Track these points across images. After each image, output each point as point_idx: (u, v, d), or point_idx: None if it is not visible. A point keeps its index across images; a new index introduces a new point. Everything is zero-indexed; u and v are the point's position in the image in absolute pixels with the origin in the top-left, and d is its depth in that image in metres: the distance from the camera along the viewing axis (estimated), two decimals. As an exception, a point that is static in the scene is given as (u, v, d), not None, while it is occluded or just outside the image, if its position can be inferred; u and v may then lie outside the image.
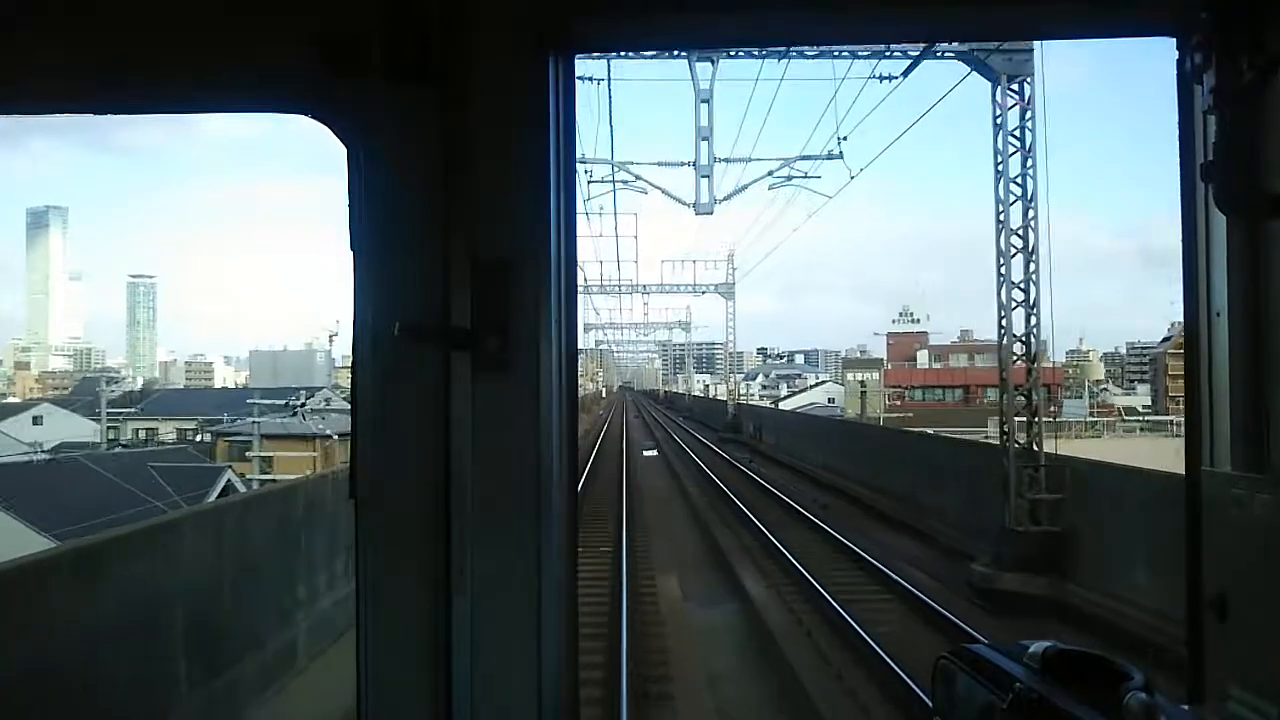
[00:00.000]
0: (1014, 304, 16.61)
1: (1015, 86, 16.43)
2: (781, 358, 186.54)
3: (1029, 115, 16.51)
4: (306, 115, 1.74)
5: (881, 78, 17.76)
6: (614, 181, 25.09)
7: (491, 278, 1.64)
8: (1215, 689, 1.69)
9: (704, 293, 57.40)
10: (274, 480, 26.84)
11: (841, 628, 13.03)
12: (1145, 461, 15.75)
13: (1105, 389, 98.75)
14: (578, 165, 1.96)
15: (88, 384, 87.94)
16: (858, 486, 27.14)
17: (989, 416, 57.59)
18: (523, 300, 1.65)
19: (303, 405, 37.68)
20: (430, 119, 1.65)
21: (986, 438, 45.98)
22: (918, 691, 9.47)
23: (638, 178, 24.81)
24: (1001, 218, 16.66)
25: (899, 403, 74.34)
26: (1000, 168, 16.53)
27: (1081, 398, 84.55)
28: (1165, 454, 16.40)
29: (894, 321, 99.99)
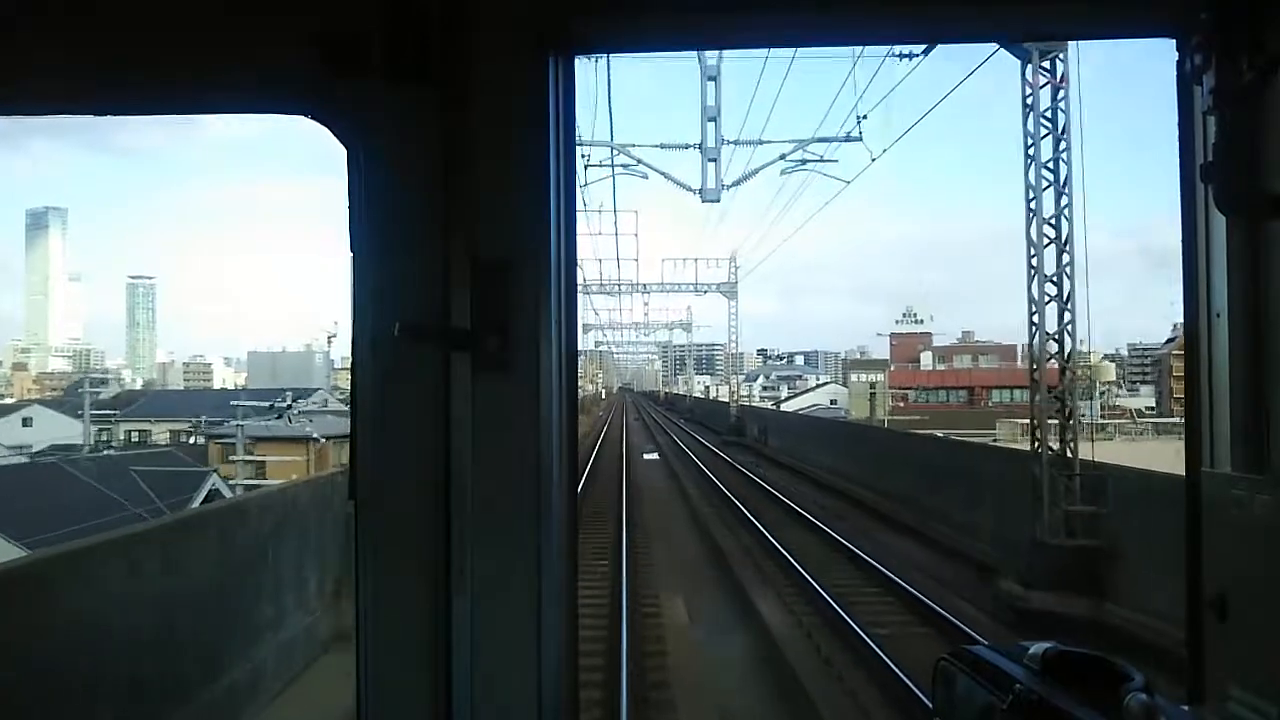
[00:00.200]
0: (1047, 299, 15.24)
1: (1047, 64, 15.08)
2: (781, 359, 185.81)
3: (1062, 95, 15.16)
4: (306, 115, 1.75)
5: (902, 55, 16.46)
6: (613, 166, 23.53)
7: (491, 278, 1.65)
8: (1215, 689, 1.67)
9: (706, 292, 56.14)
10: (259, 485, 25.47)
11: (865, 655, 11.70)
12: (1168, 466, 14.39)
13: (1108, 390, 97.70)
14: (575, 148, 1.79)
15: (91, 384, 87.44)
16: (867, 492, 25.75)
17: (997, 419, 56.74)
18: (523, 300, 1.66)
19: (288, 407, 36.43)
20: (430, 119, 1.66)
21: (995, 440, 44.87)
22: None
23: (639, 161, 23.27)
24: (1033, 205, 15.37)
25: (902, 404, 73.09)
26: (1031, 151, 15.26)
27: (1090, 400, 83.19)
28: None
29: (897, 322, 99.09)
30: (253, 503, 12.81)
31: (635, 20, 1.80)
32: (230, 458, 32.29)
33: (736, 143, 21.21)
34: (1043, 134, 15.17)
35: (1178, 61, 1.71)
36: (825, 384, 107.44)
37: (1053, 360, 15.63)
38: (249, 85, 1.76)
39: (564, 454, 1.73)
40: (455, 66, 1.64)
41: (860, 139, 19.81)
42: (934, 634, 12.97)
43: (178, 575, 9.05)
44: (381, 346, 1.66)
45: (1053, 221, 15.39)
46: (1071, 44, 14.91)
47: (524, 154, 1.68)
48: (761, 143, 21.59)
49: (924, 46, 17.06)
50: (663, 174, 22.51)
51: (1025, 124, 15.37)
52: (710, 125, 20.37)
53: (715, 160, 20.67)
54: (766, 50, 18.63)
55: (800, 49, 16.98)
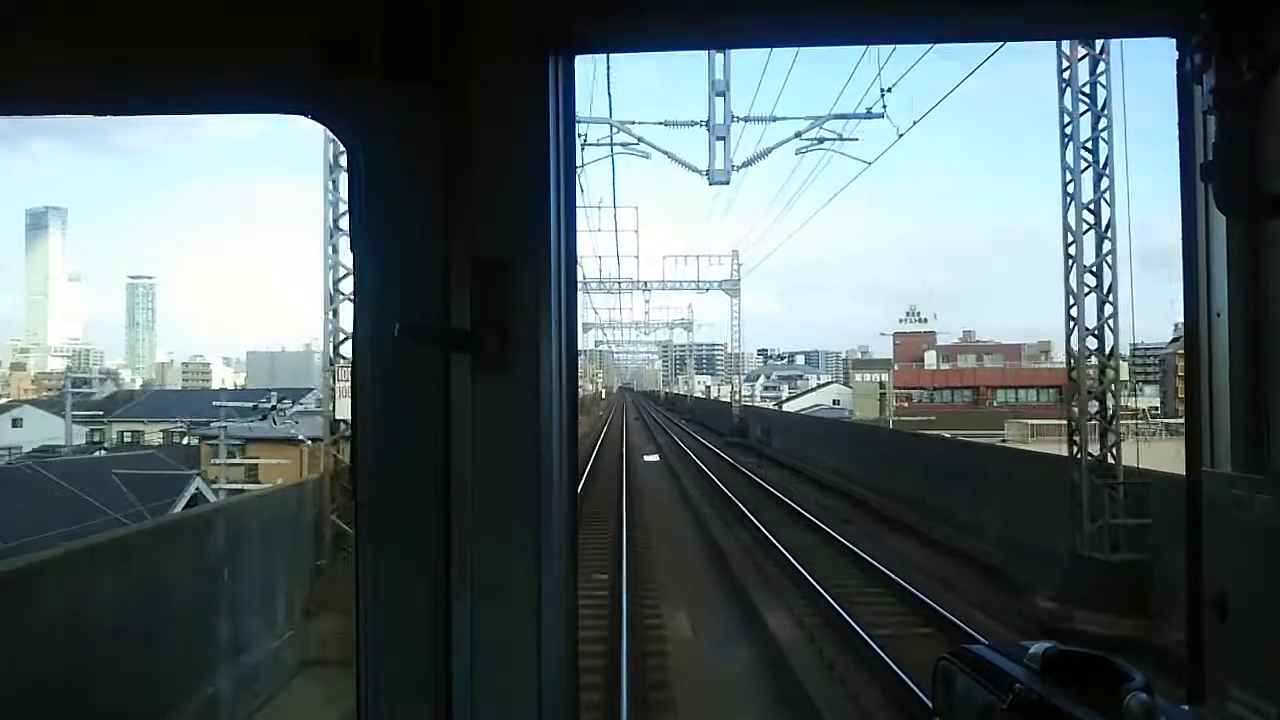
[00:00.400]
0: (1086, 290, 13.94)
1: (1086, 33, 13.70)
2: (782, 359, 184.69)
3: (1102, 69, 13.85)
4: (306, 115, 1.78)
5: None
6: (611, 145, 21.94)
7: (491, 278, 1.65)
8: (1215, 689, 1.68)
9: (708, 289, 54.83)
10: (242, 489, 24.15)
11: (893, 688, 10.38)
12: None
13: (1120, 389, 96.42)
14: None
15: (83, 384, 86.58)
16: (879, 497, 24.33)
17: (1005, 420, 55.51)
18: (523, 300, 1.66)
19: (273, 408, 35.12)
20: (430, 119, 1.66)
21: (1004, 441, 43.56)
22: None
23: (640, 140, 21.66)
24: (1070, 189, 14.08)
25: (905, 404, 71.89)
26: (1068, 130, 13.96)
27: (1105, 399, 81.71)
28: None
29: (900, 321, 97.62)
30: (214, 515, 11.58)
31: (635, 20, 1.80)
32: (214, 460, 30.86)
33: (748, 119, 19.55)
34: (1081, 110, 13.84)
35: (1178, 61, 1.72)
36: (828, 384, 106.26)
37: (1085, 359, 14.29)
38: (249, 85, 1.76)
39: (564, 454, 1.73)
40: (455, 66, 1.65)
41: (884, 114, 18.33)
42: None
43: (123, 598, 7.91)
44: (382, 346, 1.67)
45: (1092, 207, 14.12)
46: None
47: (524, 154, 1.69)
48: (774, 119, 20.01)
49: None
50: (666, 154, 20.96)
51: (1061, 100, 14.11)
52: (719, 100, 18.87)
53: (724, 138, 19.15)
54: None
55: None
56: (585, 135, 20.99)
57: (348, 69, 1.64)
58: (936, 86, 17.92)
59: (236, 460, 32.21)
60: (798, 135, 20.36)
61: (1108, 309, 14.07)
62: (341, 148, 13.70)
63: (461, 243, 1.65)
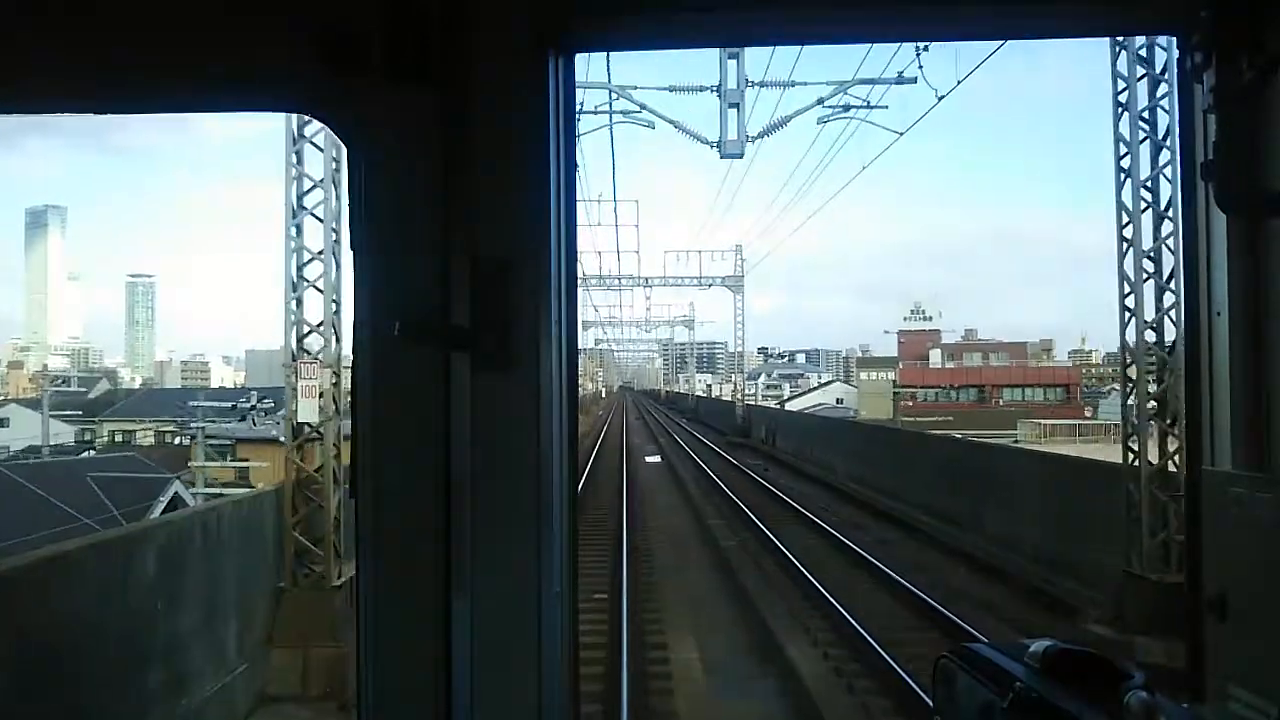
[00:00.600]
0: (1144, 276, 12.38)
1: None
2: (783, 357, 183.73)
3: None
4: (307, 115, 2.03)
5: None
6: (610, 113, 20.07)
7: (491, 278, 1.66)
8: (1215, 689, 1.69)
9: (710, 285, 53.35)
10: (220, 494, 22.56)
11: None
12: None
13: (1113, 389, 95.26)
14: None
15: (80, 383, 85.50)
16: (900, 505, 22.74)
17: (1017, 420, 54.16)
18: (523, 300, 1.67)
19: (252, 408, 33.58)
20: (430, 119, 1.67)
21: (1016, 442, 42.07)
22: None
23: (643, 108, 19.69)
24: (1125, 164, 12.51)
25: (910, 404, 70.61)
26: (1123, 98, 12.35)
27: (1107, 397, 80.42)
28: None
29: (905, 319, 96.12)
30: (153, 533, 10.03)
31: (635, 19, 1.81)
32: (191, 463, 29.28)
33: (764, 84, 17.70)
34: (1138, 76, 12.25)
35: (1178, 60, 1.72)
36: (830, 383, 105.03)
37: (1144, 353, 12.73)
38: (249, 85, 1.77)
39: (564, 454, 1.73)
40: (455, 66, 1.65)
41: (916, 79, 16.62)
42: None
43: (52, 624, 6.47)
44: (381, 346, 1.67)
45: (1149, 184, 12.55)
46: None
47: (524, 154, 1.69)
48: (793, 84, 18.15)
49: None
50: (673, 123, 19.13)
51: (1114, 65, 12.51)
52: (731, 64, 17.10)
53: (738, 106, 17.36)
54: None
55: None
56: (582, 103, 19.23)
57: (348, 69, 1.64)
58: (977, 47, 16.23)
59: (217, 463, 30.64)
60: (820, 102, 18.52)
61: (1168, 298, 12.49)
62: (307, 119, 12.27)
63: (461, 242, 1.65)
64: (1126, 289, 12.74)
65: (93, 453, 42.17)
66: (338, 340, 12.67)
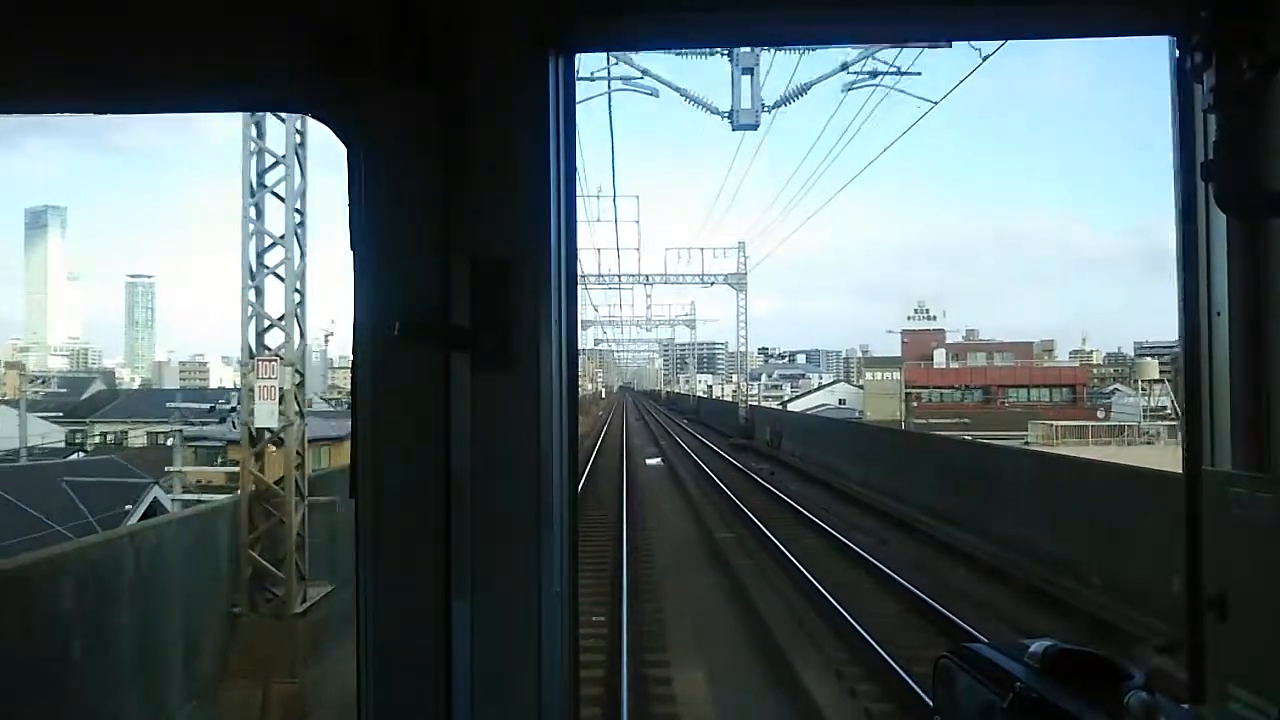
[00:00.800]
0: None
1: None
2: (783, 358, 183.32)
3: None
4: (306, 115, 1.93)
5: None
6: (609, 79, 18.37)
7: (491, 278, 1.67)
8: (1215, 689, 1.70)
9: (712, 283, 52.08)
10: (198, 500, 21.21)
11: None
12: None
13: (1116, 389, 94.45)
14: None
15: (70, 384, 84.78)
16: (924, 516, 21.19)
17: (1029, 421, 52.99)
18: (522, 300, 1.68)
19: (232, 409, 32.20)
20: (430, 119, 1.68)
21: (1027, 444, 40.73)
22: None
23: (645, 73, 17.90)
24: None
25: (915, 404, 69.67)
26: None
27: (1111, 397, 79.15)
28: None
29: (909, 318, 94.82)
30: (83, 556, 8.64)
31: (635, 19, 1.81)
32: (168, 468, 27.83)
33: (783, 45, 15.87)
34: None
35: (1178, 59, 1.74)
36: (833, 383, 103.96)
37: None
38: (249, 85, 1.78)
39: (564, 454, 1.74)
40: (455, 66, 1.66)
41: (951, 41, 15.03)
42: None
43: None
44: (381, 346, 1.68)
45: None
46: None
47: (524, 154, 1.70)
48: (815, 46, 16.34)
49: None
50: (680, 91, 17.50)
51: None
52: (745, 25, 15.52)
53: (752, 72, 15.79)
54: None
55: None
56: (578, 69, 17.75)
57: (347, 68, 1.64)
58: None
59: (197, 467, 29.18)
60: (844, 68, 16.88)
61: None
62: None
63: (461, 242, 1.66)
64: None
65: (82, 455, 40.97)
66: (301, 335, 11.63)
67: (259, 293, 11.52)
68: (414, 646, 1.67)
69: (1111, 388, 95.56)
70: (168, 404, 34.81)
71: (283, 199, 11.37)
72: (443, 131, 1.66)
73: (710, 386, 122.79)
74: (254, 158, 11.39)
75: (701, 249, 50.97)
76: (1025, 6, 1.80)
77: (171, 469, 27.49)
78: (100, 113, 1.83)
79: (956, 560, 17.00)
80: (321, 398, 55.58)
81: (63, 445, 48.02)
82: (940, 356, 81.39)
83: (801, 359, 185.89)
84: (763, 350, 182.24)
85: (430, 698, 1.66)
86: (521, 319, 1.66)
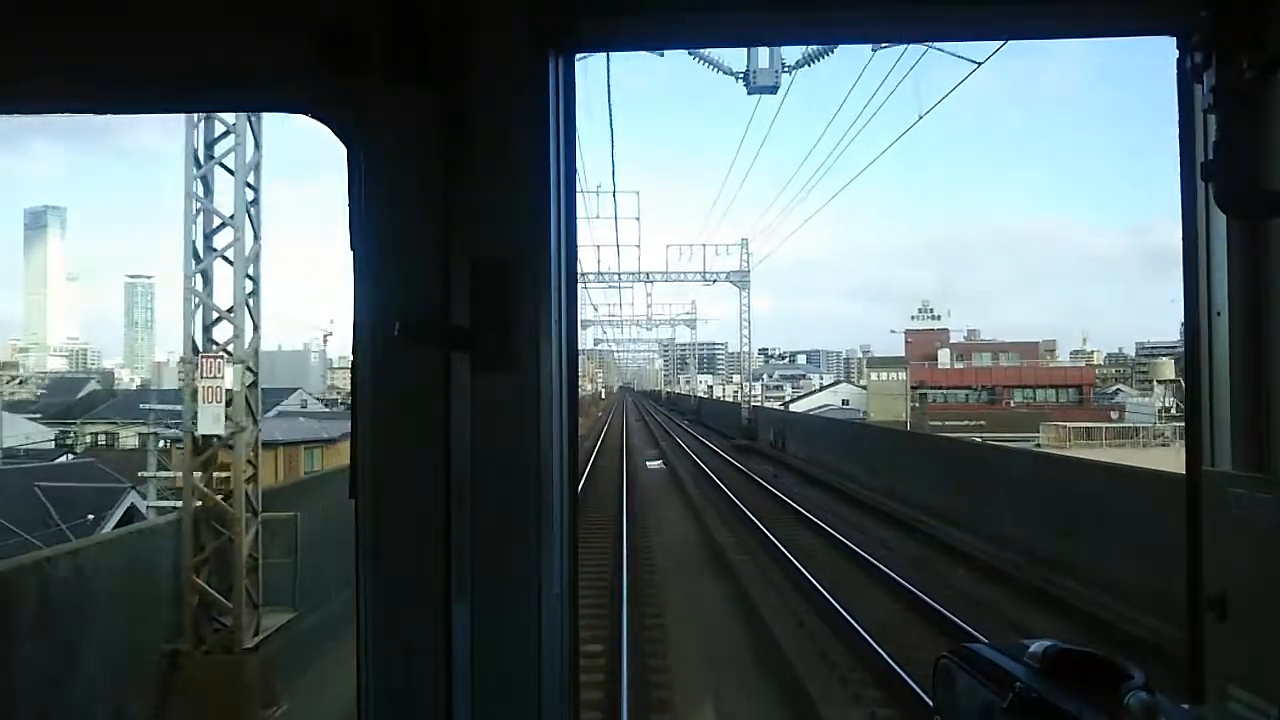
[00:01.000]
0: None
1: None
2: (783, 358, 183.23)
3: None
4: (306, 115, 1.80)
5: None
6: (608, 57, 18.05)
7: (491, 277, 1.68)
8: (1215, 689, 1.71)
9: (714, 281, 51.85)
10: (175, 507, 20.80)
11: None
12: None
13: (1119, 390, 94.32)
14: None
15: (64, 384, 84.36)
16: (945, 525, 20.61)
17: (1040, 422, 52.78)
18: (522, 300, 1.69)
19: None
20: (430, 119, 1.69)
21: (1038, 445, 40.46)
22: None
23: None
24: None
25: (915, 405, 69.43)
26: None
27: (1115, 397, 78.90)
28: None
29: (912, 318, 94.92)
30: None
31: (636, 19, 1.83)
32: (141, 472, 26.68)
33: (783, 45, 14.97)
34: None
35: (1178, 60, 1.75)
36: (836, 383, 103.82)
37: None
38: (249, 85, 1.80)
39: (564, 454, 1.75)
40: (455, 66, 1.68)
41: None
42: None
43: None
44: (381, 346, 1.69)
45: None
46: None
47: (524, 154, 1.71)
48: (815, 46, 15.43)
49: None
50: (687, 47, 16.63)
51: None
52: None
53: None
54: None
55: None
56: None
57: (347, 68, 1.66)
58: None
59: (168, 472, 28.14)
60: None
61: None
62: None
63: (461, 242, 1.68)
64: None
65: (70, 457, 40.54)
66: (255, 329, 10.36)
67: (205, 279, 10.26)
68: (414, 647, 1.68)
69: (1114, 388, 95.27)
70: (141, 405, 32.93)
71: (232, 171, 10.13)
72: (443, 131, 1.68)
73: (711, 387, 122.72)
74: (198, 125, 10.07)
75: (703, 246, 50.80)
76: (1026, 6, 1.81)
77: (146, 473, 26.08)
78: (100, 113, 1.85)
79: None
80: (318, 398, 55.26)
81: (52, 447, 47.68)
82: (945, 356, 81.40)
83: (801, 359, 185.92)
84: (763, 351, 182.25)
85: (430, 698, 1.67)
86: (521, 319, 1.67)
